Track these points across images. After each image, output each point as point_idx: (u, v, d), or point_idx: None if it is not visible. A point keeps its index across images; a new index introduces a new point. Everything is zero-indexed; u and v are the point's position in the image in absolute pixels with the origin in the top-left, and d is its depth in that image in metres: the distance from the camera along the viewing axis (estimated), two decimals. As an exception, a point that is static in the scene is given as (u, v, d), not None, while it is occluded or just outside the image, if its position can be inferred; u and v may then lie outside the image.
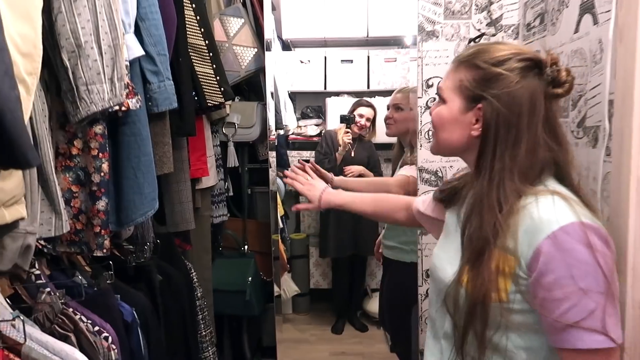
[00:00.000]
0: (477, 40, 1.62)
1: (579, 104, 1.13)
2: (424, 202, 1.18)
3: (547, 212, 0.77)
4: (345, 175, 2.30)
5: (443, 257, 0.95)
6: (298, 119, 3.01)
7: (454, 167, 1.48)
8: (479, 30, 1.62)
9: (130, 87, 0.89)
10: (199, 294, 1.53)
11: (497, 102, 0.84)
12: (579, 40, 1.14)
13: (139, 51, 0.94)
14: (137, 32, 0.98)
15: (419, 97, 1.51)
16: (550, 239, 0.74)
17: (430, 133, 1.11)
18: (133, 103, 0.89)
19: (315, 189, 1.31)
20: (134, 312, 1.05)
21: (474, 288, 0.80)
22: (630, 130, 0.87)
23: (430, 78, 1.52)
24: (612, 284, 0.74)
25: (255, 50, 1.88)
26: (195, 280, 1.53)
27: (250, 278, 1.93)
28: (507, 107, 0.83)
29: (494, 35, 1.60)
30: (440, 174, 1.51)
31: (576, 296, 0.72)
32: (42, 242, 0.88)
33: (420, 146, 1.48)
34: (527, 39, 1.49)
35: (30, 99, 0.62)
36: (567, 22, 1.21)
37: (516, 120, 0.83)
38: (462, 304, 0.83)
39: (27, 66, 0.61)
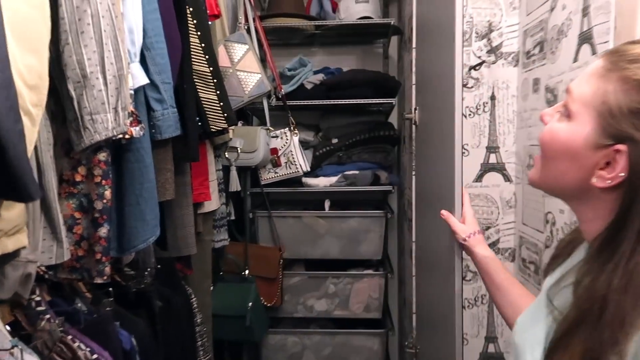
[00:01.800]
0: (477, 68, 1.64)
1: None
2: None
3: None
4: None
5: (527, 336, 0.70)
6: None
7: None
8: (479, 57, 1.64)
9: (134, 115, 0.91)
10: (198, 320, 1.52)
11: None
12: (578, 70, 1.16)
13: (143, 80, 0.96)
14: (143, 61, 1.00)
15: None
16: None
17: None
18: (137, 131, 0.90)
19: (469, 229, 1.08)
20: (133, 340, 1.05)
21: None
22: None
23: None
24: None
25: (259, 75, 1.91)
26: (196, 305, 1.52)
27: (250, 303, 1.91)
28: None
29: (494, 63, 1.62)
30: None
31: None
32: (43, 268, 0.88)
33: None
34: (527, 67, 1.51)
35: (35, 130, 0.63)
36: (567, 51, 1.22)
37: None
38: None
39: (33, 98, 0.62)
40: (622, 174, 0.57)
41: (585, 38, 1.11)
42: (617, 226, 0.58)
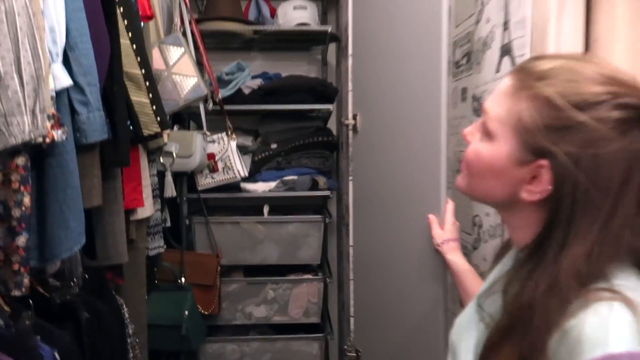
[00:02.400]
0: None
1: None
2: None
3: (596, 323, 0.52)
4: None
5: (462, 338, 0.73)
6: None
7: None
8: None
9: (56, 118, 0.86)
10: (130, 331, 1.47)
11: (574, 165, 0.56)
12: (500, 81, 1.22)
13: (66, 81, 0.92)
14: (67, 62, 0.96)
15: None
16: None
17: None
18: (59, 134, 0.86)
19: (447, 234, 1.14)
20: (56, 354, 0.99)
21: None
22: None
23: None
24: None
25: (196, 79, 1.87)
26: (128, 316, 1.47)
27: (187, 312, 1.87)
28: (590, 177, 0.55)
29: (425, 71, 1.68)
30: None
31: None
32: (-47, 281, 0.82)
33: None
34: (456, 76, 1.57)
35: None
36: (490, 62, 1.29)
37: (601, 197, 0.56)
38: None
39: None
40: (549, 187, 0.59)
41: (506, 50, 1.18)
42: (543, 235, 0.60)
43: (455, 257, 1.11)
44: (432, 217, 1.22)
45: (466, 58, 1.49)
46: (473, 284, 1.01)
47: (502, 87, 0.64)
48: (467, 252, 1.51)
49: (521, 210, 0.64)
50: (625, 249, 0.57)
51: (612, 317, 0.52)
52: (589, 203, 0.56)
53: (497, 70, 1.24)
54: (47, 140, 0.84)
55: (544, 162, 0.58)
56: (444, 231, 1.17)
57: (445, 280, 1.24)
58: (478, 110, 1.39)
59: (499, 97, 0.63)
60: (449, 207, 1.20)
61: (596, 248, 0.56)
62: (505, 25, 1.18)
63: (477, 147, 0.66)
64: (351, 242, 1.83)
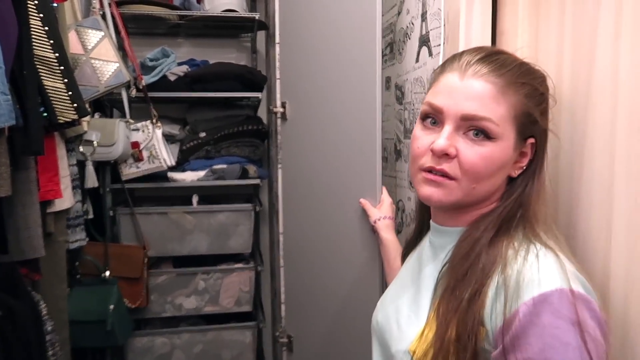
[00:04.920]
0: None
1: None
2: None
3: (531, 269, 0.60)
4: None
5: (390, 309, 0.78)
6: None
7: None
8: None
9: (-45, 103, 0.81)
10: (49, 328, 1.40)
11: (545, 133, 0.73)
12: (419, 70, 1.28)
13: (-34, 63, 0.85)
14: (-34, 42, 0.89)
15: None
16: (527, 305, 0.57)
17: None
18: (-42, 120, 0.80)
19: (380, 212, 1.23)
20: (-38, 354, 0.93)
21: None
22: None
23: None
24: None
25: (117, 64, 1.80)
26: (45, 312, 1.40)
27: (112, 306, 1.81)
28: (544, 139, 0.73)
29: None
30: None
31: None
32: None
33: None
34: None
35: None
36: (410, 52, 1.34)
37: (542, 152, 0.72)
38: None
39: None
40: (531, 155, 0.71)
41: (424, 41, 1.23)
42: (510, 194, 0.71)
43: (388, 235, 1.20)
44: (363, 201, 1.30)
45: (389, 48, 1.54)
46: (398, 259, 1.06)
47: (482, 90, 0.67)
48: (392, 235, 1.57)
49: (495, 185, 0.71)
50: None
51: (543, 261, 0.60)
52: (539, 160, 0.71)
53: (417, 60, 1.30)
54: (-56, 126, 0.78)
55: (532, 139, 0.70)
56: (381, 210, 1.26)
57: (379, 261, 1.28)
58: (400, 99, 1.44)
59: (487, 101, 0.66)
60: (384, 189, 1.29)
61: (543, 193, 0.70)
62: (423, 17, 1.23)
63: (483, 152, 0.67)
64: (281, 230, 1.84)
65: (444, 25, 1.06)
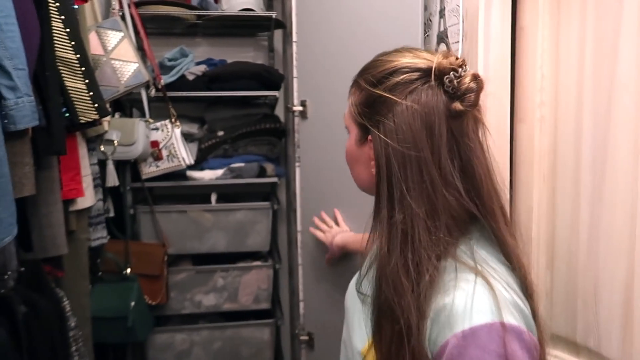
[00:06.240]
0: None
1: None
2: None
3: (463, 300, 0.59)
4: None
5: (354, 311, 0.78)
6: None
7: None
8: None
9: (-20, 104, 0.83)
10: (72, 324, 1.43)
11: (383, 132, 0.65)
12: (437, 66, 1.26)
13: (-9, 65, 0.88)
14: (-9, 45, 0.91)
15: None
16: (457, 338, 0.57)
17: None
18: (-17, 121, 0.83)
19: (330, 235, 1.30)
20: (-11, 349, 0.96)
21: None
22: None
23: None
24: None
25: (136, 65, 1.82)
26: (69, 309, 1.43)
27: (133, 303, 1.83)
28: (396, 138, 0.64)
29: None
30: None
31: None
32: None
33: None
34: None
35: None
36: (429, 48, 1.33)
37: (413, 153, 0.62)
38: None
39: None
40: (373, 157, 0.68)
41: (442, 37, 1.22)
42: (376, 199, 0.69)
43: (344, 240, 1.33)
44: (312, 230, 1.48)
45: (406, 45, 1.52)
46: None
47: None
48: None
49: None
50: (456, 205, 0.63)
51: (476, 293, 0.59)
52: (405, 160, 0.63)
53: (434, 57, 1.28)
54: (-29, 127, 0.80)
55: (370, 137, 0.69)
56: (329, 233, 1.38)
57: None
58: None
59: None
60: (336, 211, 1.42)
61: (436, 206, 0.62)
62: (441, 13, 1.22)
63: (346, 143, 0.76)
64: (299, 228, 1.85)
65: (463, 21, 1.05)
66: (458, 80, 0.63)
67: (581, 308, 0.87)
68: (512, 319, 0.58)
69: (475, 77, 0.64)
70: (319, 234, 1.35)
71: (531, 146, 0.95)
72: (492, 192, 0.65)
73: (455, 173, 0.63)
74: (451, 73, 0.63)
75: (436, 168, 0.62)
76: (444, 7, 1.20)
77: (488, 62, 0.96)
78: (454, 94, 0.63)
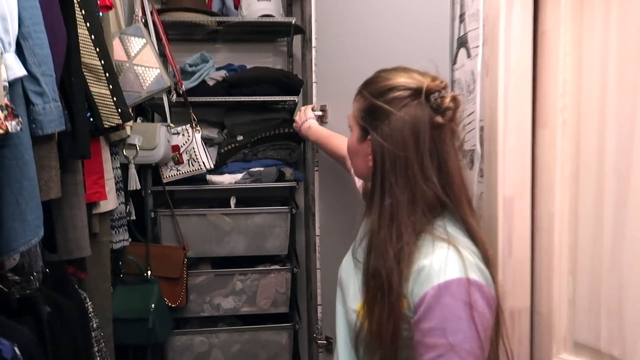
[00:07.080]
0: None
1: (459, 130, 1.24)
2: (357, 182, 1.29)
3: (439, 262, 0.77)
4: None
5: (349, 277, 0.96)
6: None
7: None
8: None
9: (10, 109, 0.85)
10: (95, 325, 1.45)
11: (380, 135, 0.83)
12: (457, 71, 1.26)
13: (20, 71, 0.90)
14: (20, 52, 0.94)
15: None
16: (434, 289, 0.76)
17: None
18: (13, 126, 0.85)
19: (303, 115, 1.62)
20: (15, 349, 0.98)
21: (377, 329, 0.81)
22: (495, 154, 0.98)
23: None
24: (483, 347, 0.75)
25: (158, 70, 1.85)
26: (91, 310, 1.45)
27: (153, 305, 1.86)
28: (390, 140, 0.82)
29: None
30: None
31: (443, 348, 0.74)
32: None
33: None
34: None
35: None
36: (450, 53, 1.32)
37: (402, 153, 0.81)
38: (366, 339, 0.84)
39: None
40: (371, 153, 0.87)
41: (462, 42, 1.21)
42: (371, 186, 0.86)
43: (312, 130, 1.57)
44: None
45: (426, 50, 1.52)
46: (337, 143, 1.43)
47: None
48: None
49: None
50: (434, 195, 0.81)
51: (448, 257, 0.77)
52: (396, 158, 0.81)
53: (454, 62, 1.28)
54: (1, 131, 0.83)
55: (369, 137, 0.86)
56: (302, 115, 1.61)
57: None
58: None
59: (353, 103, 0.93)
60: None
61: (416, 195, 0.81)
62: (462, 18, 1.22)
63: (348, 139, 0.95)
64: (317, 232, 1.85)
65: (483, 26, 1.04)
66: (441, 99, 0.82)
67: (605, 315, 0.85)
68: (475, 276, 0.77)
69: (454, 98, 0.83)
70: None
71: (553, 151, 0.94)
72: (462, 187, 0.84)
73: (434, 171, 0.81)
74: (436, 93, 0.82)
75: (419, 166, 0.81)
76: (464, 12, 1.19)
77: (509, 66, 0.96)
78: (437, 109, 0.82)
